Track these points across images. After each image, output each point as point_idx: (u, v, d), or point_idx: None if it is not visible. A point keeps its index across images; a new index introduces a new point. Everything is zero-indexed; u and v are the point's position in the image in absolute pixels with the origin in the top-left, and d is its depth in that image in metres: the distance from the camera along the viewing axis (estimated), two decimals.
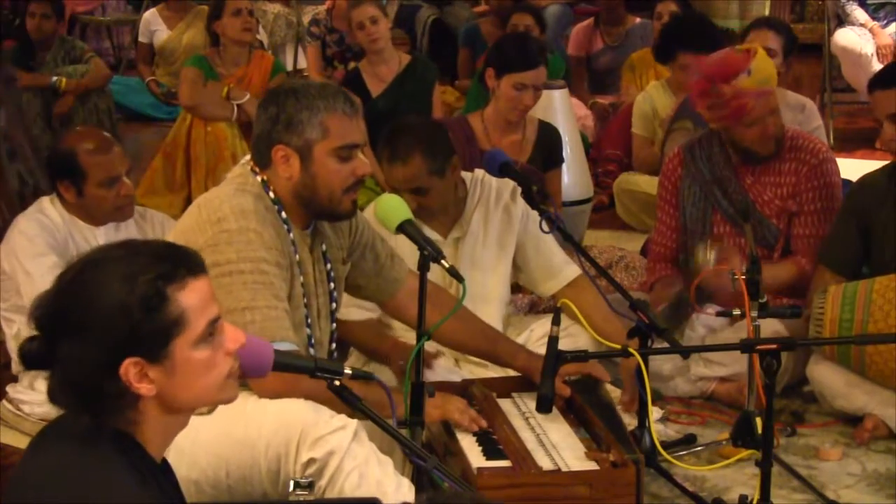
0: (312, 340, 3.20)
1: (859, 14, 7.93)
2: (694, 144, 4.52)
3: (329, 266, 3.29)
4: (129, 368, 1.99)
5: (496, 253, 4.05)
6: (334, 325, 3.33)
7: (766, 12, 8.82)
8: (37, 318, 2.02)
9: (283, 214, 3.14)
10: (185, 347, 2.03)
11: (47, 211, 4.08)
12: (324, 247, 3.28)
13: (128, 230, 4.16)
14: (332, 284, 3.29)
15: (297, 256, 3.15)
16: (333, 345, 3.34)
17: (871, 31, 7.89)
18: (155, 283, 1.99)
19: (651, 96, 6.35)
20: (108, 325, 1.97)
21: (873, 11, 7.97)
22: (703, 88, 4.25)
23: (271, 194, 3.14)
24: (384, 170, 3.93)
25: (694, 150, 4.49)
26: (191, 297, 2.03)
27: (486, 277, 4.03)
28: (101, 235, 4.08)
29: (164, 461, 2.19)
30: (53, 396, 2.04)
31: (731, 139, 4.35)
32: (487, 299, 4.01)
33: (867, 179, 4.29)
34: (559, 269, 4.03)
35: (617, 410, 3.40)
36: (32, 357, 2.02)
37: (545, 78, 4.95)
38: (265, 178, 3.15)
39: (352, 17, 6.44)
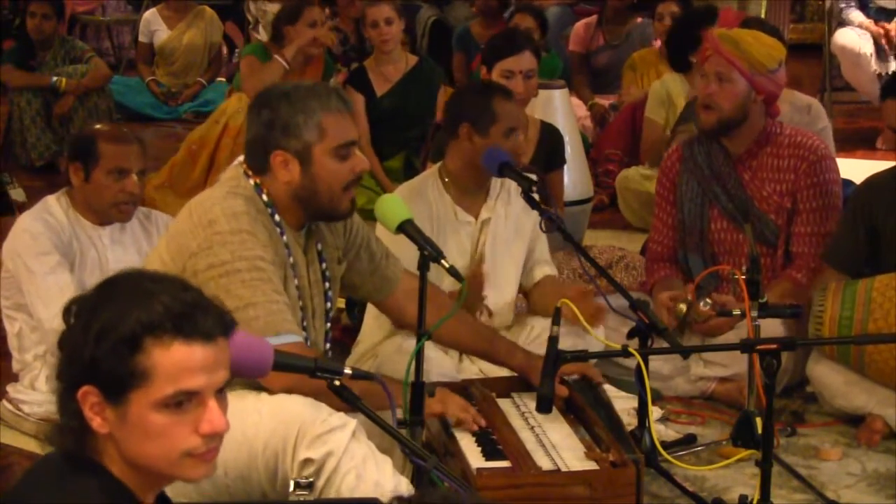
0: (308, 342, 3.19)
1: (857, 15, 7.92)
2: (693, 141, 4.54)
3: (324, 266, 3.28)
4: (87, 396, 1.94)
5: (514, 237, 4.12)
6: (329, 324, 3.34)
7: (763, 12, 8.83)
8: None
9: (276, 217, 3.13)
10: (143, 404, 1.92)
11: (52, 210, 4.08)
12: (319, 246, 3.28)
13: (133, 232, 4.16)
14: (327, 284, 3.29)
15: (291, 259, 3.14)
16: (328, 345, 3.34)
17: (870, 28, 7.87)
18: (137, 328, 1.91)
19: (667, 84, 6.35)
20: (86, 345, 1.92)
21: (874, 14, 7.97)
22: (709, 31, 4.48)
23: (264, 197, 3.13)
24: None
25: (693, 147, 4.50)
26: (168, 359, 1.91)
27: (506, 260, 4.10)
28: (106, 236, 4.08)
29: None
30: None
31: None
32: (505, 282, 4.09)
33: (875, 180, 4.29)
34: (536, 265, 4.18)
35: (615, 411, 3.40)
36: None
37: (534, 65, 4.93)
38: (258, 181, 3.14)
39: (367, 13, 6.43)
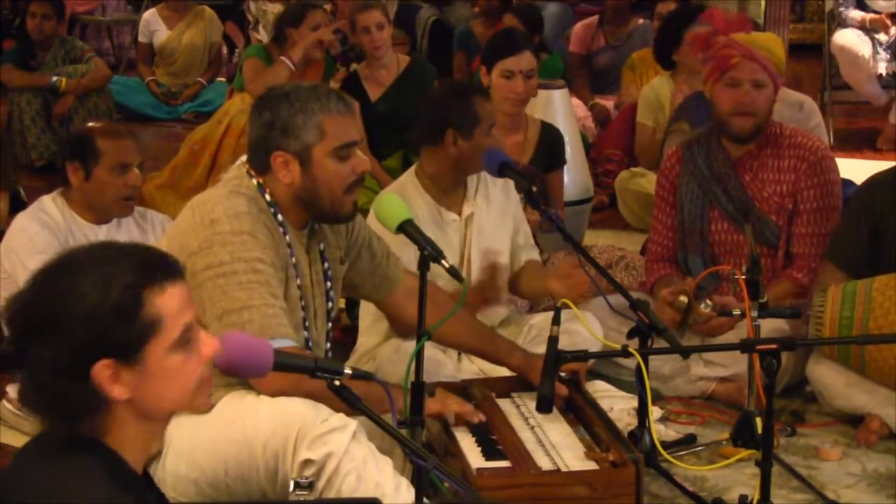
0: (310, 342, 3.19)
1: (856, 14, 7.91)
2: (692, 142, 4.54)
3: (326, 265, 3.28)
4: (102, 371, 1.96)
5: (498, 227, 4.15)
6: (330, 324, 3.33)
7: (763, 12, 8.83)
8: (10, 319, 1.98)
9: (279, 217, 3.13)
10: (160, 352, 1.99)
11: (48, 209, 4.08)
12: (321, 246, 3.28)
13: (129, 230, 4.17)
14: (328, 284, 3.29)
15: (294, 259, 3.14)
16: (328, 344, 3.34)
17: (870, 21, 7.85)
18: (132, 287, 1.97)
19: (656, 87, 6.42)
20: (81, 328, 1.94)
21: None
22: (705, 36, 4.41)
23: (267, 197, 3.13)
24: None
25: (693, 148, 4.50)
26: (168, 302, 1.99)
27: (494, 251, 4.12)
28: (102, 234, 4.09)
29: (146, 474, 2.16)
30: (25, 399, 2.01)
31: (714, 111, 4.38)
32: None
33: (878, 179, 4.28)
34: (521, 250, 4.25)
35: (600, 406, 3.40)
36: (3, 359, 1.98)
37: (534, 64, 4.95)
38: (261, 181, 3.14)
39: (357, 20, 6.43)
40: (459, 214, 4.08)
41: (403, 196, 3.96)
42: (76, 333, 1.94)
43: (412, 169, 4.12)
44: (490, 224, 4.13)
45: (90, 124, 4.25)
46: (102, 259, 1.99)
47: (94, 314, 1.94)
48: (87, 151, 4.00)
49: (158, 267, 2.02)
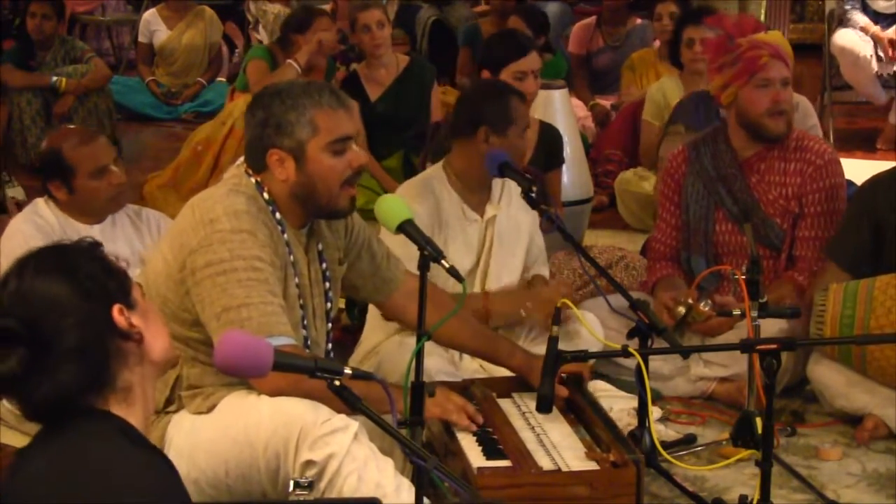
0: (308, 342, 3.19)
1: (859, 18, 7.92)
2: (699, 142, 4.53)
3: (325, 266, 3.28)
4: (119, 315, 2.04)
5: (515, 235, 4.17)
6: (330, 324, 3.34)
7: (763, 12, 8.83)
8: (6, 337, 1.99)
9: (278, 215, 3.13)
10: (139, 296, 2.12)
11: (42, 212, 4.09)
12: (320, 246, 3.28)
13: (124, 229, 4.17)
14: (327, 284, 3.29)
15: (292, 257, 3.15)
16: (329, 345, 3.34)
17: (872, 35, 7.86)
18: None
19: (664, 87, 6.44)
20: (82, 290, 2.03)
21: (871, 17, 7.96)
22: (720, 42, 4.38)
23: (265, 195, 3.13)
24: None
25: (699, 148, 4.50)
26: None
27: (509, 258, 4.15)
28: (97, 234, 4.08)
29: None
30: (33, 409, 2.02)
31: (742, 113, 4.35)
32: (508, 278, 4.15)
33: (880, 178, 4.28)
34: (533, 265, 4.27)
35: (601, 406, 3.40)
36: (14, 375, 1.97)
37: (540, 63, 4.98)
38: (259, 179, 3.15)
39: (357, 18, 6.44)
40: (482, 216, 4.10)
41: (430, 188, 4.01)
42: (80, 297, 2.02)
43: (440, 163, 4.14)
44: (510, 230, 4.15)
45: (54, 137, 4.15)
46: (45, 255, 2.19)
47: (91, 294, 2.03)
48: (60, 168, 3.99)
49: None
